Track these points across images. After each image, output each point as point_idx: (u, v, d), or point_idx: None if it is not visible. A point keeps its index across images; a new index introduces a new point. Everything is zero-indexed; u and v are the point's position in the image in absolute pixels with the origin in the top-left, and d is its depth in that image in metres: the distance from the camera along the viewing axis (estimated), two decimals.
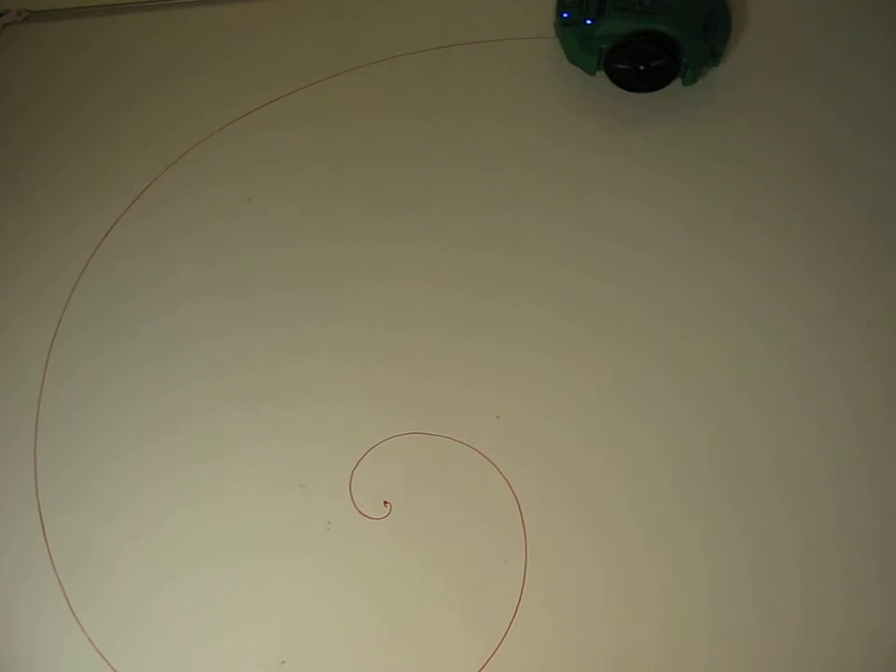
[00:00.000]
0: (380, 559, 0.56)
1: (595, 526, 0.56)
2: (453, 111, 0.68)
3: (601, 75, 0.66)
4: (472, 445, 0.58)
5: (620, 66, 0.65)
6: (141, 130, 0.69)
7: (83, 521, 0.57)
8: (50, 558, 0.56)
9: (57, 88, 0.71)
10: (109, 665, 0.54)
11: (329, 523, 0.57)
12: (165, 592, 0.55)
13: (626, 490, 0.57)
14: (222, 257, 0.64)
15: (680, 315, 0.61)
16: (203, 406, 0.60)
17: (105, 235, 0.65)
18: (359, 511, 0.57)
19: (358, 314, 0.62)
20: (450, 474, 0.57)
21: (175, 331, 0.62)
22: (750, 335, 0.60)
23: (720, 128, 0.67)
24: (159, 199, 0.66)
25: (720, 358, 0.60)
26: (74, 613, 0.55)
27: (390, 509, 0.57)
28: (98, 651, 0.54)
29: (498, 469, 0.57)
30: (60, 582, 0.56)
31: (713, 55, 0.66)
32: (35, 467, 0.58)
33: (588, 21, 0.65)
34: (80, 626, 0.55)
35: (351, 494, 0.57)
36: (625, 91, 0.67)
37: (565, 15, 0.66)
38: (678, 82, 0.66)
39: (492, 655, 0.54)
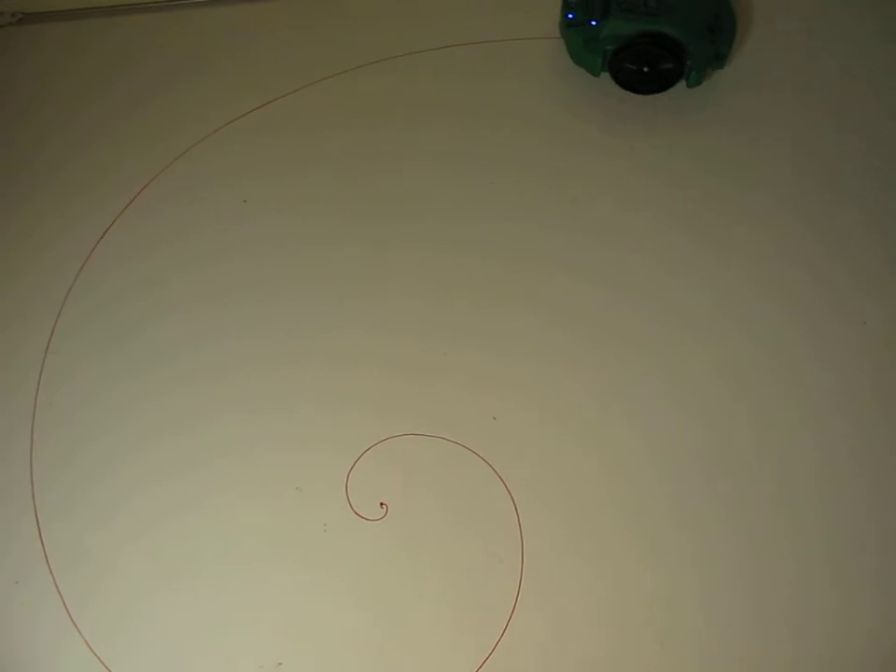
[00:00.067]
0: (376, 561, 0.56)
1: (590, 528, 0.56)
2: (454, 113, 0.68)
3: (605, 76, 0.66)
4: (468, 446, 0.58)
5: (624, 68, 0.65)
6: (138, 132, 0.68)
7: (80, 525, 0.57)
8: (47, 562, 0.56)
9: (55, 90, 0.70)
10: (107, 668, 0.54)
11: (325, 524, 0.57)
12: (162, 595, 0.56)
13: (622, 492, 0.57)
14: (219, 260, 0.64)
15: (678, 322, 0.61)
16: (200, 410, 0.60)
17: (101, 238, 0.65)
18: (356, 513, 0.57)
19: (355, 318, 0.62)
20: (446, 475, 0.57)
21: (171, 335, 0.62)
22: (747, 340, 0.60)
23: (722, 132, 0.66)
24: (155, 202, 0.66)
25: (716, 364, 0.60)
26: (71, 617, 0.55)
27: (386, 510, 0.57)
28: (96, 655, 0.54)
29: (495, 470, 0.57)
30: (57, 586, 0.56)
31: (718, 57, 0.66)
32: (32, 471, 0.58)
33: (593, 23, 0.65)
34: (78, 630, 0.55)
35: (347, 495, 0.57)
36: (629, 93, 0.66)
37: (570, 16, 0.66)
38: (682, 84, 0.66)
39: (488, 656, 0.54)
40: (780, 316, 0.61)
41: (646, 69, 0.65)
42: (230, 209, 0.66)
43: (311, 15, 0.73)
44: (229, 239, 0.65)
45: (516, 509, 0.56)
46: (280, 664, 0.54)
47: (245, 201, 0.66)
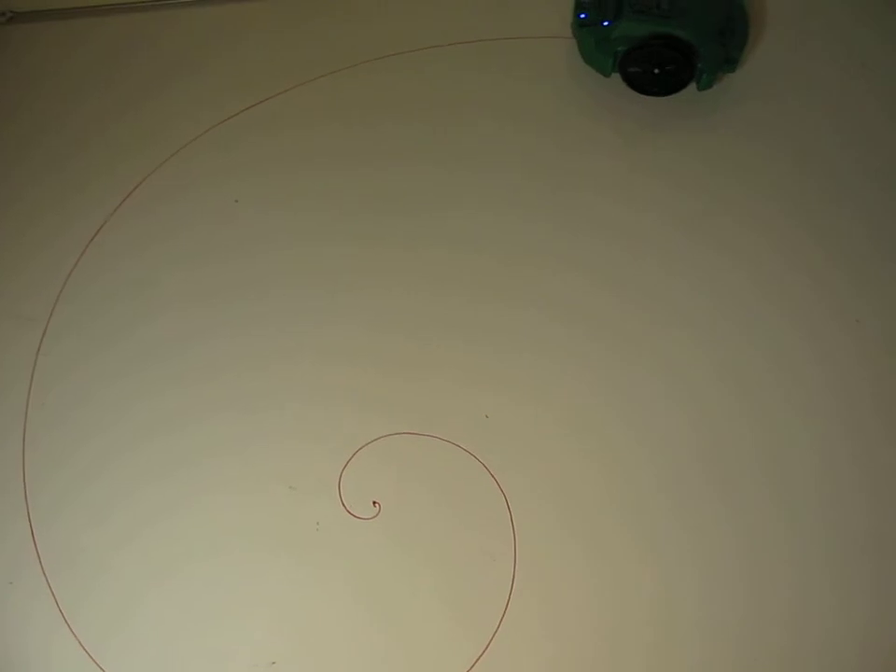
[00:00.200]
0: (369, 559, 0.56)
1: (584, 524, 0.56)
2: (456, 110, 0.68)
3: (616, 77, 0.66)
4: (460, 444, 0.58)
5: (635, 69, 0.65)
6: (130, 132, 0.68)
7: (73, 525, 0.57)
8: (40, 563, 0.56)
9: (45, 90, 0.70)
10: (100, 668, 0.54)
11: (318, 523, 0.57)
12: (155, 595, 0.56)
13: (616, 489, 0.57)
14: (211, 259, 0.64)
15: (676, 321, 0.61)
16: (193, 409, 0.60)
17: (92, 238, 0.65)
18: (348, 512, 0.57)
19: (349, 316, 0.62)
20: (439, 474, 0.58)
21: (163, 334, 0.62)
22: (746, 341, 0.60)
23: (730, 136, 0.66)
24: (147, 201, 0.66)
25: (715, 364, 0.60)
26: (64, 617, 0.55)
27: (379, 509, 0.57)
28: (88, 655, 0.54)
29: (487, 468, 0.57)
30: (50, 587, 0.56)
31: (729, 61, 0.65)
32: (24, 471, 0.58)
33: (605, 23, 0.65)
34: (71, 630, 0.55)
35: (340, 494, 0.57)
36: (639, 95, 0.66)
37: (582, 16, 0.66)
38: (692, 87, 0.66)
39: (482, 653, 0.54)
40: (780, 319, 0.61)
41: (656, 71, 0.64)
42: (221, 208, 0.65)
43: (302, 13, 0.73)
44: (220, 238, 0.65)
45: (508, 506, 0.56)
46: (273, 662, 0.54)
47: (236, 200, 0.66)
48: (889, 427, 0.58)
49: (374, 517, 0.57)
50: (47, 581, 0.56)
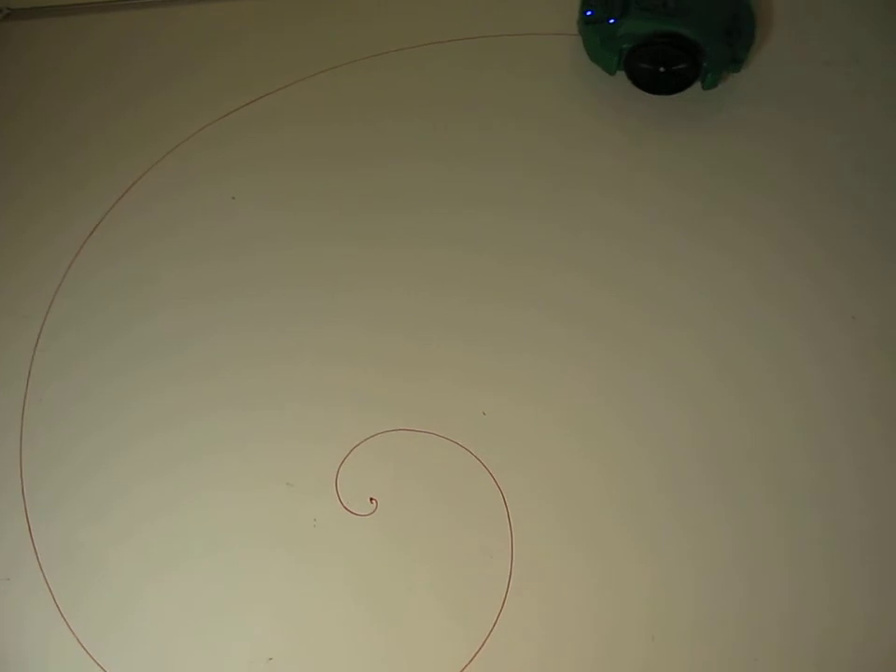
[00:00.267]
0: (366, 556, 0.56)
1: (582, 523, 0.56)
2: (457, 107, 0.68)
3: (621, 74, 0.66)
4: (458, 441, 0.58)
5: (640, 67, 0.65)
6: (128, 129, 0.68)
7: (71, 521, 0.57)
8: (38, 559, 0.56)
9: (43, 87, 0.70)
10: (98, 664, 0.54)
11: (315, 520, 0.57)
12: (152, 591, 0.56)
13: (614, 487, 0.57)
14: (210, 256, 0.64)
15: (677, 321, 0.61)
16: (190, 406, 0.60)
17: (90, 235, 0.65)
18: (346, 508, 0.57)
19: (347, 314, 0.62)
20: (436, 471, 0.57)
21: (161, 332, 0.62)
22: (746, 340, 0.60)
23: (733, 137, 0.66)
24: (145, 198, 0.66)
25: (714, 364, 0.60)
26: (62, 613, 0.55)
27: (376, 505, 0.57)
28: (86, 651, 0.54)
29: (484, 465, 0.57)
30: (47, 583, 0.56)
31: (735, 61, 0.65)
32: (22, 468, 0.58)
33: (611, 20, 0.64)
34: (69, 627, 0.55)
35: (337, 491, 0.57)
36: (644, 93, 0.66)
37: (588, 13, 0.66)
38: (697, 86, 0.66)
39: (479, 650, 0.54)
40: (780, 319, 0.60)
41: (662, 69, 0.64)
42: (220, 205, 0.65)
43: (302, 9, 0.73)
44: (219, 235, 0.65)
45: (506, 503, 0.56)
46: (271, 659, 0.54)
47: (233, 197, 0.65)
48: (888, 426, 0.58)
49: (371, 514, 0.57)
50: (44, 577, 0.56)
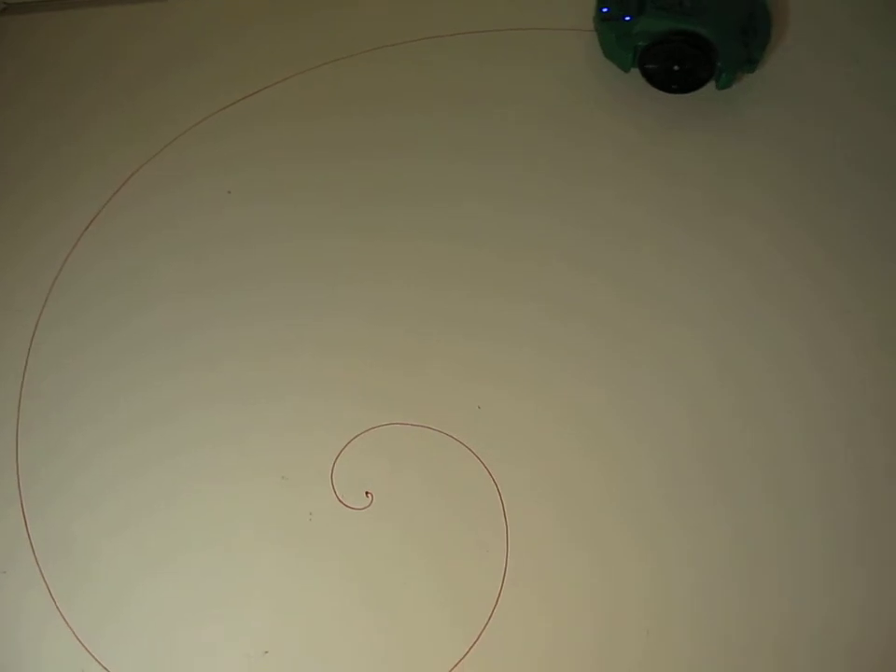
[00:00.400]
0: (362, 549, 0.56)
1: (577, 516, 0.56)
2: (463, 101, 0.67)
3: (635, 72, 0.65)
4: (453, 435, 0.58)
5: (654, 65, 0.64)
6: (125, 122, 0.68)
7: (66, 514, 0.57)
8: (34, 552, 0.56)
9: (39, 80, 0.70)
10: (93, 657, 0.54)
11: (311, 513, 0.57)
12: (148, 584, 0.56)
13: (612, 484, 0.57)
14: (207, 249, 0.64)
15: (677, 318, 0.60)
16: (187, 399, 0.60)
17: (87, 228, 0.65)
18: (341, 502, 0.57)
19: (346, 307, 0.62)
20: (431, 465, 0.57)
21: (157, 325, 0.62)
22: (746, 339, 0.60)
23: (745, 137, 0.65)
24: (141, 191, 0.66)
25: (714, 361, 0.59)
26: (57, 606, 0.55)
27: (372, 499, 0.57)
28: (81, 643, 0.55)
29: (479, 459, 0.57)
30: (43, 576, 0.56)
31: (750, 61, 0.65)
32: (17, 461, 0.58)
33: (627, 18, 0.64)
34: (64, 619, 0.55)
35: (333, 484, 0.57)
36: (658, 91, 0.66)
37: (604, 10, 0.65)
38: (711, 85, 0.65)
39: (474, 643, 0.54)
40: (780, 318, 0.60)
41: (676, 68, 0.64)
42: (218, 198, 0.65)
43: (302, 2, 0.72)
44: (217, 228, 0.65)
45: (501, 496, 0.56)
46: (266, 651, 0.54)
47: (229, 192, 0.65)
48: (887, 426, 0.57)
49: (367, 507, 0.57)
50: (40, 570, 0.56)
